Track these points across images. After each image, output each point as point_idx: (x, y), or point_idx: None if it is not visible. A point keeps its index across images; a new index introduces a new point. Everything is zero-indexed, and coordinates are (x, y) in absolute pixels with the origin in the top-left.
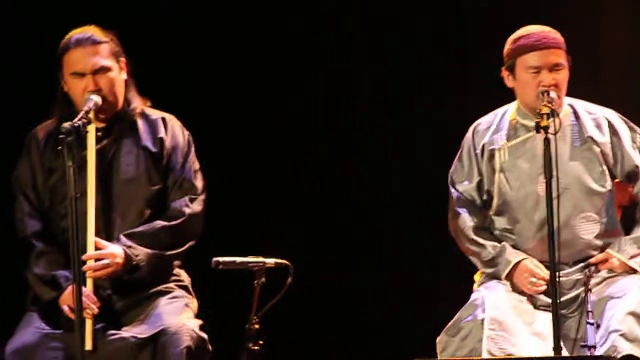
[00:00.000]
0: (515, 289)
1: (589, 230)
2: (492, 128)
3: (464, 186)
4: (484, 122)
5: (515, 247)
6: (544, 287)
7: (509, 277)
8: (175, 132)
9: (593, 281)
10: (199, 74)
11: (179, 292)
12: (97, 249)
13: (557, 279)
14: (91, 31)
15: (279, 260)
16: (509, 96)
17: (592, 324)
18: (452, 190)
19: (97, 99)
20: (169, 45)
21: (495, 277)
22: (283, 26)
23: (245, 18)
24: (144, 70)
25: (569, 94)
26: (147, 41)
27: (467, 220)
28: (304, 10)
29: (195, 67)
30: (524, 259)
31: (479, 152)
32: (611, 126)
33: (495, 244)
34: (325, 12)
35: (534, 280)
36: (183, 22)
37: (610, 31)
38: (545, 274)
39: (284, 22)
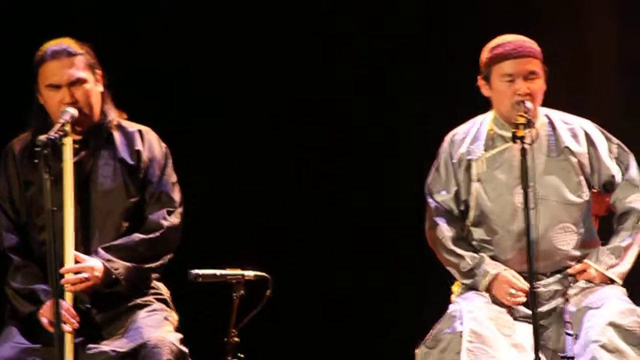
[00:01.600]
0: (494, 301)
1: (566, 240)
2: (469, 137)
3: (441, 196)
4: (460, 131)
5: (493, 257)
6: (523, 299)
7: (488, 288)
8: (152, 144)
9: (571, 291)
10: (174, 86)
11: (157, 305)
12: (76, 262)
13: (535, 290)
14: (66, 43)
15: (258, 273)
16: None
17: (570, 335)
18: (430, 200)
19: (73, 111)
20: (145, 55)
21: (473, 288)
22: (261, 36)
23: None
24: (117, 81)
25: (553, 102)
26: (123, 50)
27: (445, 230)
28: (286, 13)
29: (170, 79)
30: (502, 270)
31: (455, 161)
32: (587, 136)
33: (474, 254)
34: (313, 14)
35: (512, 291)
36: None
37: (595, 37)
38: (524, 285)
39: (263, 30)
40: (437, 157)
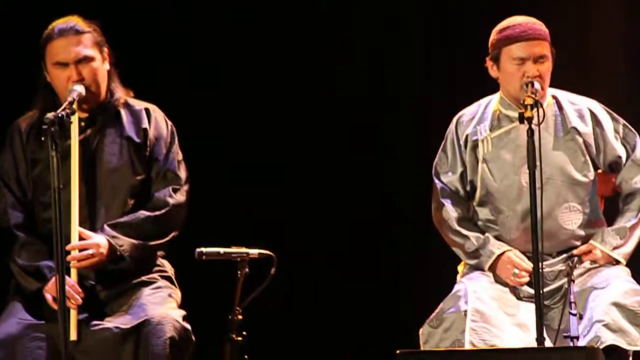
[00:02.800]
0: (498, 280)
1: (572, 220)
2: (476, 118)
3: (447, 177)
4: (467, 112)
5: (498, 237)
6: (527, 279)
7: (492, 268)
8: (158, 122)
9: (576, 272)
10: (183, 64)
11: (162, 283)
12: (81, 239)
13: (540, 270)
14: (74, 21)
15: (263, 251)
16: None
17: (574, 315)
18: (436, 181)
19: (80, 88)
20: (158, 38)
21: (478, 268)
22: (269, 23)
23: (232, 15)
24: (130, 61)
25: (557, 86)
26: (135, 32)
27: (450, 211)
28: (291, 9)
29: (180, 58)
30: (506, 251)
31: (462, 142)
32: (594, 116)
33: (479, 235)
34: (312, 13)
35: (516, 271)
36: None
37: (600, 25)
38: (528, 265)
39: (269, 20)
40: (444, 138)
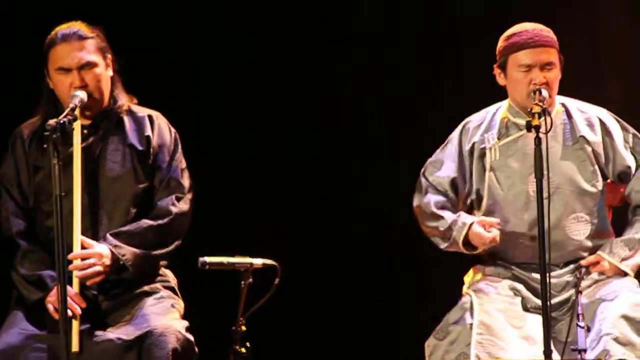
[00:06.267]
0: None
1: (579, 230)
2: (483, 126)
3: (436, 177)
4: (474, 119)
5: (504, 248)
6: (497, 232)
7: (465, 240)
8: (161, 130)
9: (584, 283)
10: (185, 72)
11: (165, 293)
12: (83, 248)
13: (548, 281)
14: (77, 26)
15: (267, 261)
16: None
17: (582, 327)
18: (422, 179)
19: (82, 95)
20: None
21: (454, 243)
22: (270, 28)
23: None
24: (133, 67)
25: (566, 94)
26: (135, 37)
27: (431, 199)
28: (294, 12)
29: (181, 65)
30: (475, 221)
31: (465, 150)
32: (603, 125)
33: (453, 214)
34: (316, 13)
35: (488, 240)
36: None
37: (609, 30)
38: (494, 220)
39: (271, 24)
40: (445, 141)
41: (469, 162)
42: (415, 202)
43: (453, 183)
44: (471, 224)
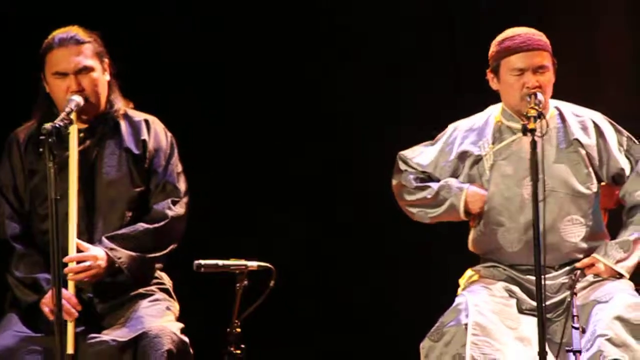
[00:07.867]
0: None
1: (574, 233)
2: (474, 131)
3: (417, 162)
4: (463, 124)
5: (499, 250)
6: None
7: (465, 204)
8: (158, 134)
9: (578, 285)
10: (179, 76)
11: (160, 295)
12: (79, 251)
13: (542, 283)
14: (74, 31)
15: (262, 263)
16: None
17: (577, 328)
18: (400, 163)
19: (78, 99)
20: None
21: (451, 208)
22: (269, 28)
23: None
24: (127, 71)
25: (565, 96)
26: (134, 41)
27: (410, 176)
28: (292, 14)
29: (175, 69)
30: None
31: (455, 149)
32: (597, 128)
33: (437, 183)
34: (313, 14)
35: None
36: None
37: (607, 32)
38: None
39: (269, 25)
40: (432, 139)
41: (455, 166)
42: (395, 181)
43: (431, 173)
44: (467, 188)
